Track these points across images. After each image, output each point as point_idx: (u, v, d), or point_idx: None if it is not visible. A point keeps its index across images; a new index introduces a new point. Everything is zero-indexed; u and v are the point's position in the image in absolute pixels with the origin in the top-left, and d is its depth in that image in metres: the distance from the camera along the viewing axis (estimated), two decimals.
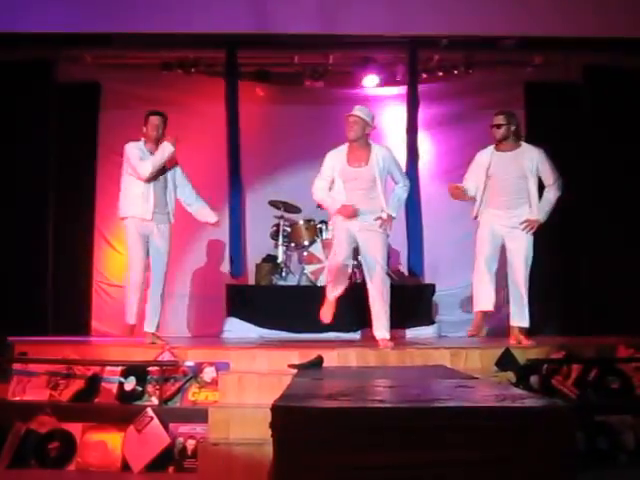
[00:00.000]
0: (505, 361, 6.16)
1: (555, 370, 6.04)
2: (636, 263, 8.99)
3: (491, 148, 7.12)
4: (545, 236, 8.77)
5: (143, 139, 7.15)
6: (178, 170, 7.32)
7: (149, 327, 7.18)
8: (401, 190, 7.08)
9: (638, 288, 8.90)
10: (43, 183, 9.15)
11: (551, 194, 7.04)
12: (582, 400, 5.86)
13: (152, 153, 7.07)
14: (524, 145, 7.11)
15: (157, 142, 7.14)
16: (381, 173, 6.94)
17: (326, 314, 7.15)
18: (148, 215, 7.06)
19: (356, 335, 8.18)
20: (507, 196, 7.00)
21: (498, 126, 7.01)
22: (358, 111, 6.94)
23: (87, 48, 9.10)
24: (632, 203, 9.11)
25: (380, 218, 6.89)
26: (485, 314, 7.18)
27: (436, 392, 3.90)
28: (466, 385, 4.01)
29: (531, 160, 7.00)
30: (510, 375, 6.01)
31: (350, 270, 7.35)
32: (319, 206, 7.52)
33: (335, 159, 6.99)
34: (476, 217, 7.15)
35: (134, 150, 7.06)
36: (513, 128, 7.05)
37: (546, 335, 8.26)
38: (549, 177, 7.02)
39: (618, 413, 5.77)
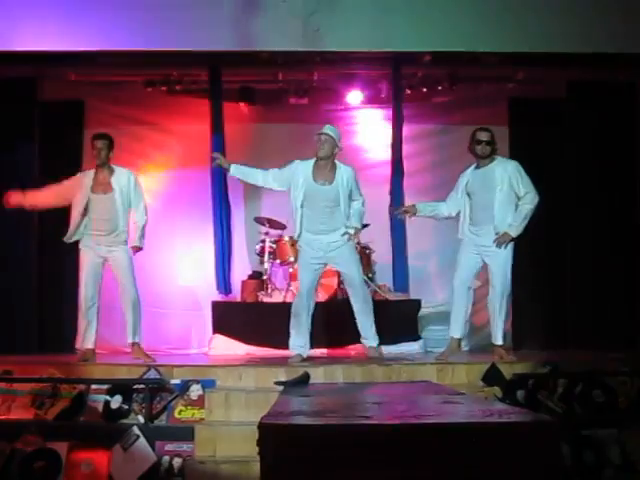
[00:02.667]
0: (491, 376, 6.18)
1: (541, 385, 6.06)
2: (620, 278, 9.03)
3: (472, 167, 7.16)
4: (529, 251, 8.84)
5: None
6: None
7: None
8: (359, 204, 7.18)
9: (621, 303, 8.94)
10: None
11: (524, 207, 6.96)
12: (568, 414, 5.88)
13: (97, 177, 7.30)
14: (498, 159, 7.12)
15: (103, 166, 7.30)
16: (344, 192, 7.04)
17: None
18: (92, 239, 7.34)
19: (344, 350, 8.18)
20: (484, 212, 6.99)
21: (487, 143, 6.99)
22: (329, 130, 7.03)
23: (71, 66, 9.09)
24: (615, 218, 9.15)
25: (347, 233, 7.02)
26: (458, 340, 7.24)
27: (423, 408, 3.90)
28: (452, 401, 4.01)
29: (503, 173, 6.98)
30: (496, 390, 6.02)
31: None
32: None
33: (302, 170, 7.03)
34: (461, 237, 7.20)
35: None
36: (494, 145, 7.09)
37: (531, 350, 8.27)
38: (522, 190, 6.94)
39: (604, 427, 5.78)
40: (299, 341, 7.08)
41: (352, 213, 7.10)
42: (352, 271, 7.15)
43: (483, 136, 7.01)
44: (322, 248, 7.04)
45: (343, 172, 7.06)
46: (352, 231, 7.07)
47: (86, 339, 7.30)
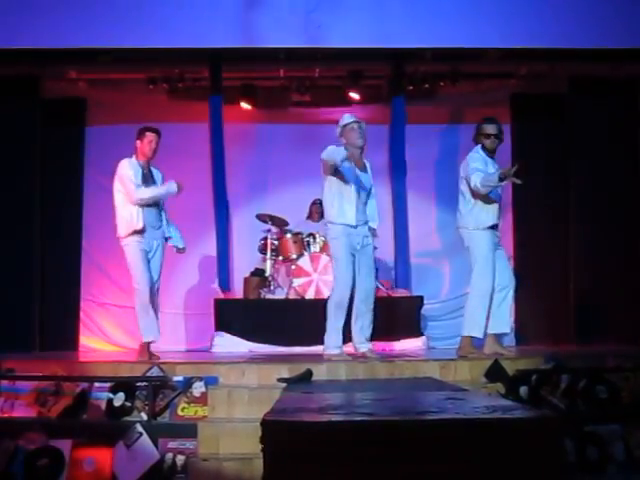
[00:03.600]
0: (494, 372, 6.16)
1: (544, 381, 6.04)
2: (624, 274, 9.01)
3: (482, 152, 6.83)
4: (532, 247, 8.83)
5: (134, 155, 7.09)
6: None
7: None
8: (374, 200, 7.07)
9: (625, 298, 8.92)
10: (28, 199, 9.11)
11: None
12: (571, 410, 5.87)
13: (145, 170, 7.05)
14: None
15: (150, 159, 7.11)
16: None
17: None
18: (146, 232, 7.05)
19: (347, 348, 8.15)
20: (499, 204, 6.92)
21: (497, 136, 6.84)
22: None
23: (72, 63, 9.08)
24: (619, 213, 9.13)
25: (371, 228, 6.94)
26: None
27: (426, 404, 3.90)
28: (456, 397, 4.01)
29: None
30: (499, 386, 6.01)
31: None
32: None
33: (344, 154, 6.61)
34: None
35: (128, 171, 6.96)
36: (501, 136, 6.97)
37: (534, 346, 8.26)
38: None
39: (607, 423, 5.77)
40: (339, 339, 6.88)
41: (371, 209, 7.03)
42: (371, 272, 6.95)
43: (490, 129, 6.81)
44: (359, 241, 6.81)
45: (367, 162, 6.99)
46: (375, 226, 7.01)
47: (153, 330, 7.12)
